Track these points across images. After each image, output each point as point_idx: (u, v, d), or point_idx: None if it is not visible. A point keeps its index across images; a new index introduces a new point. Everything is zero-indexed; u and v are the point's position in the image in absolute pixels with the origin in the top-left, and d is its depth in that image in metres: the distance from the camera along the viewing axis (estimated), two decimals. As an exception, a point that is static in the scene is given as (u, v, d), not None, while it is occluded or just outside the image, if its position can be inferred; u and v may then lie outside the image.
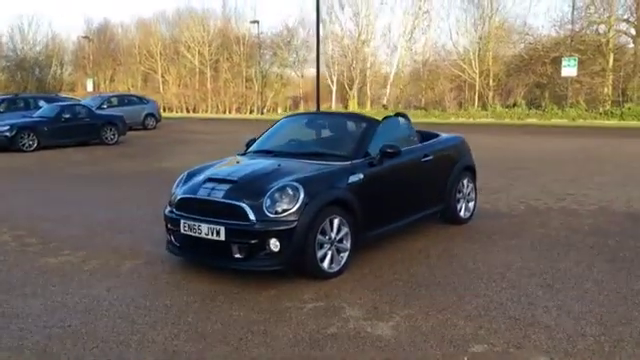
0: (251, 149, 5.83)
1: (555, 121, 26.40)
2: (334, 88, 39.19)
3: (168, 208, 5.10)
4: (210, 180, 4.87)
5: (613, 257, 5.15)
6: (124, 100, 24.62)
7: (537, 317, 3.85)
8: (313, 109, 39.53)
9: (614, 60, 27.76)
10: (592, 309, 3.97)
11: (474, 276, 4.70)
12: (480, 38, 33.09)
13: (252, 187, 4.66)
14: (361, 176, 4.97)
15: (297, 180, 4.60)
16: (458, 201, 6.31)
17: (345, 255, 4.79)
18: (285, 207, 4.44)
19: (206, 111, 45.28)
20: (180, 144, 17.88)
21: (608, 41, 28.31)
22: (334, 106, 39.19)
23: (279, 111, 43.75)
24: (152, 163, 13.28)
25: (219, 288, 4.53)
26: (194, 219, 4.67)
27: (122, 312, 4.13)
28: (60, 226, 6.74)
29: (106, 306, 4.24)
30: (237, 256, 4.53)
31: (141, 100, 25.51)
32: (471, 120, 28.76)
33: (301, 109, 41.17)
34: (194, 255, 4.88)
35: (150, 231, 6.35)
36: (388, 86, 37.27)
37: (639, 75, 27.61)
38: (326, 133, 5.87)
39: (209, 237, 4.56)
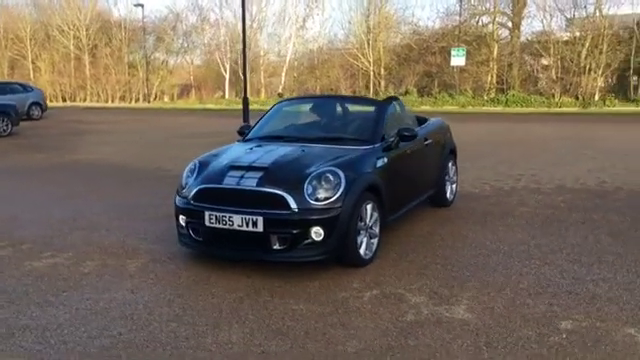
0: (255, 135, 5.52)
1: (446, 108, 27.71)
2: (227, 76, 38.40)
3: (180, 199, 4.70)
4: (235, 168, 4.54)
5: (610, 231, 5.47)
6: (5, 88, 22.44)
7: (593, 290, 3.98)
8: (206, 97, 38.58)
9: (498, 50, 29.63)
10: (632, 279, 4.17)
11: (502, 255, 4.79)
12: (370, 28, 33.88)
13: (287, 174, 4.41)
14: (386, 160, 4.89)
15: (336, 165, 4.42)
16: (445, 184, 6.41)
17: (375, 241, 4.70)
18: (327, 194, 4.25)
19: (85, 100, 42.48)
20: (79, 135, 16.63)
21: (493, 33, 30.13)
22: (227, 94, 38.43)
23: (165, 99, 42.16)
24: (64, 155, 12.25)
25: (256, 282, 4.26)
26: (222, 210, 4.33)
27: (170, 314, 3.76)
28: (16, 227, 6.00)
29: (145, 310, 3.83)
30: (276, 247, 4.26)
31: (25, 88, 23.46)
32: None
33: (192, 97, 39.94)
34: (223, 249, 4.52)
35: (129, 227, 5.87)
36: (283, 74, 37.15)
37: (517, 65, 29.66)
38: (334, 117, 5.69)
39: (243, 229, 4.25)
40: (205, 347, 3.31)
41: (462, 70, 29.07)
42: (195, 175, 4.70)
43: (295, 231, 4.21)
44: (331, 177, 4.31)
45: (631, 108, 24.57)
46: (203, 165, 4.79)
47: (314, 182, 4.28)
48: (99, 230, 5.84)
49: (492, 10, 30.11)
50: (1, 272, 4.63)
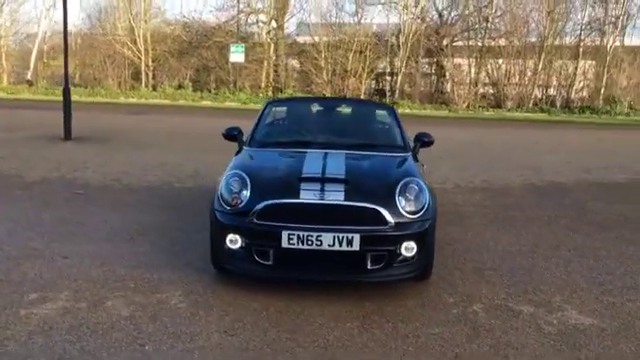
0: (266, 140, 4.93)
1: (229, 104, 27.68)
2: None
3: (228, 216, 4.01)
4: (306, 180, 4.03)
5: (600, 225, 6.21)
6: None
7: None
8: None
9: (273, 49, 30.45)
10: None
11: (519, 257, 5.10)
12: (135, 14, 31.96)
13: (371, 185, 4.10)
14: (425, 167, 4.82)
15: (414, 176, 4.24)
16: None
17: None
18: (416, 206, 4.06)
19: None
20: None
21: (262, 31, 30.85)
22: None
23: None
24: None
25: (364, 307, 3.87)
26: (306, 229, 3.83)
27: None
28: None
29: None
30: (371, 267, 3.93)
31: None
32: (144, 100, 27.83)
33: None
34: (305, 273, 3.99)
35: (94, 254, 4.81)
36: (32, 59, 32.78)
37: (282, 66, 30.87)
38: (347, 121, 5.38)
39: (335, 248, 3.83)
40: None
41: (242, 67, 29.26)
42: (250, 188, 4.04)
43: (391, 248, 3.93)
44: (416, 187, 4.12)
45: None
46: (254, 177, 4.13)
47: (404, 194, 4.04)
48: (57, 260, 4.62)
49: (260, 9, 30.81)
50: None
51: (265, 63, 30.45)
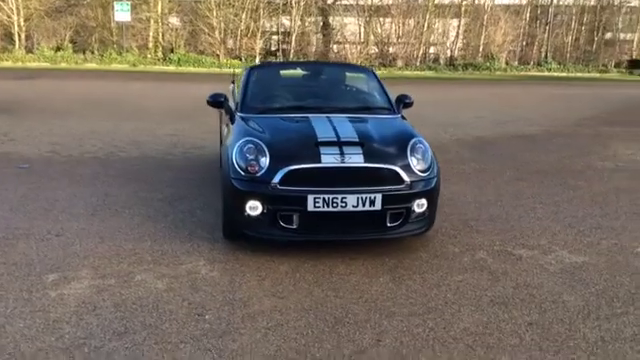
0: (257, 105, 4.92)
1: (116, 66, 26.38)
2: None
3: (248, 184, 4.04)
4: (325, 144, 4.15)
5: (540, 173, 6.78)
6: None
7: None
8: None
9: (162, 7, 29.17)
10: None
11: (491, 208, 5.56)
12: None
13: (384, 147, 4.28)
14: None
15: (417, 135, 4.49)
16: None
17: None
18: (425, 165, 4.32)
19: None
20: None
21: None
22: None
23: None
24: None
25: (388, 263, 4.11)
26: (331, 192, 3.98)
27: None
28: None
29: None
30: (390, 224, 4.17)
31: None
32: (20, 64, 25.77)
33: None
34: (330, 234, 4.13)
35: (87, 230, 4.67)
36: None
37: (165, 25, 29.76)
38: (335, 85, 5.46)
39: (359, 209, 4.02)
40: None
41: (128, 27, 27.81)
42: (268, 155, 4.08)
43: (407, 205, 4.18)
44: (422, 147, 4.38)
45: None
46: (270, 143, 4.17)
47: (414, 153, 4.28)
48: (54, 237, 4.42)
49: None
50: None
51: (152, 22, 29.17)
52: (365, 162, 4.08)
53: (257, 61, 28.73)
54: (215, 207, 5.22)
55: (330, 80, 5.63)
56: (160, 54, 28.46)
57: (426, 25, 30.04)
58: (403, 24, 30.05)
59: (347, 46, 30.29)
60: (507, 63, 30.89)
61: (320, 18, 30.63)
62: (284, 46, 30.41)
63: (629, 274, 4.02)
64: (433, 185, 4.30)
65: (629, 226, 5.06)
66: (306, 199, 3.94)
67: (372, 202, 4.00)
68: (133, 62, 26.89)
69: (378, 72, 5.87)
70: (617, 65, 32.38)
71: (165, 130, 9.34)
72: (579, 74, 30.37)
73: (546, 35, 33.21)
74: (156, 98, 14.03)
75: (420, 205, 4.22)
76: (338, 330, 3.18)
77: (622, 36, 35.29)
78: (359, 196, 3.98)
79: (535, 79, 26.15)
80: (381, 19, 30.46)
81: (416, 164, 4.23)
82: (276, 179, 3.99)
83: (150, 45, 28.97)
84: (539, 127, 10.84)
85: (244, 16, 28.52)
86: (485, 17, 31.02)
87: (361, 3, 30.46)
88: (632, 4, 35.03)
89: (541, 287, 3.78)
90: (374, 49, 30.64)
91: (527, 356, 2.96)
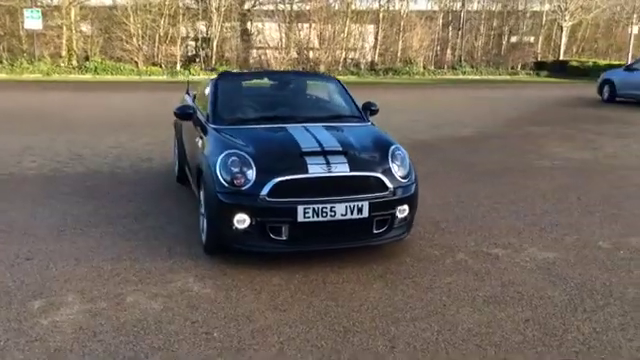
0: (228, 117, 4.86)
1: (28, 76, 25.10)
2: None
3: (235, 197, 4.02)
4: (310, 154, 4.17)
5: (487, 174, 7.05)
6: None
7: None
8: None
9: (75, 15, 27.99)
10: None
11: (455, 209, 5.77)
12: None
13: (366, 155, 4.37)
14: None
15: (394, 143, 4.60)
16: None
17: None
18: (405, 171, 4.45)
19: None
20: None
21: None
22: None
23: None
24: None
25: (379, 270, 4.18)
26: (319, 201, 4.02)
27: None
28: None
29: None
30: (376, 231, 4.26)
31: None
32: None
33: None
34: (319, 243, 4.16)
35: (57, 251, 4.48)
36: None
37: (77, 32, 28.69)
38: (303, 94, 5.47)
39: (347, 217, 4.09)
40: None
41: (39, 34, 26.48)
42: (255, 167, 4.06)
43: (391, 211, 4.28)
44: (401, 153, 4.51)
45: (212, 76, 27.25)
46: (254, 155, 4.15)
47: (395, 160, 4.39)
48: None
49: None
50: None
51: (65, 29, 27.91)
52: (351, 171, 4.15)
53: (178, 68, 28.18)
54: (183, 222, 5.13)
55: (298, 89, 5.65)
56: (75, 62, 27.28)
57: (346, 31, 30.51)
58: (323, 30, 30.37)
59: (269, 52, 30.26)
60: (425, 67, 31.86)
61: (239, 24, 30.42)
62: (204, 52, 29.97)
63: (599, 267, 4.29)
64: (413, 191, 4.42)
65: (584, 221, 5.40)
66: (296, 210, 3.96)
67: (360, 210, 4.07)
68: (47, 71, 25.61)
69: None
70: (524, 67, 34.13)
71: (104, 142, 9.00)
72: (491, 76, 31.80)
73: (459, 40, 34.56)
74: (82, 109, 13.45)
75: (402, 211, 4.34)
76: (350, 339, 3.21)
77: (527, 39, 37.30)
78: (347, 204, 4.04)
79: (452, 82, 27.16)
80: (302, 25, 30.64)
81: (397, 170, 4.34)
82: (264, 191, 3.98)
83: (64, 53, 27.69)
84: (473, 129, 11.29)
85: (163, 22, 27.87)
86: (402, 23, 31.91)
87: (280, 8, 30.56)
88: (535, 9, 37.14)
89: (525, 284, 3.97)
90: (296, 54, 30.77)
91: (535, 352, 3.12)
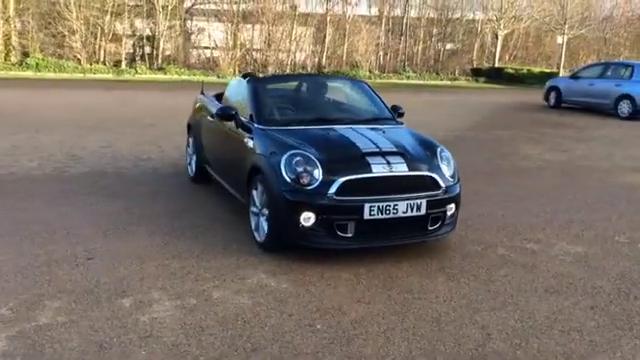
0: (275, 118, 5.01)
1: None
2: None
3: (303, 196, 4.16)
4: (369, 155, 4.37)
5: (488, 174, 7.39)
6: None
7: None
8: None
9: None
10: None
11: (473, 206, 6.07)
12: None
13: (420, 156, 4.60)
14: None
15: (439, 144, 4.86)
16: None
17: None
18: (452, 171, 4.72)
19: None
20: None
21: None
22: None
23: None
24: None
25: (428, 265, 4.42)
26: (384, 200, 4.23)
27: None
28: None
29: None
30: (430, 227, 4.50)
31: None
32: None
33: None
34: (382, 239, 4.34)
35: (115, 251, 4.46)
36: None
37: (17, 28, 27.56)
38: (335, 96, 5.63)
39: (407, 214, 4.32)
40: (557, 316, 3.66)
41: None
42: (321, 167, 4.22)
43: (444, 209, 4.54)
44: (447, 154, 4.77)
45: (158, 76, 26.75)
46: (319, 156, 4.30)
47: (443, 160, 4.65)
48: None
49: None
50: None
51: (2, 23, 26.67)
52: (409, 170, 4.36)
53: (123, 65, 27.47)
54: (221, 220, 5.19)
55: (332, 93, 5.82)
56: (13, 58, 26.11)
57: (293, 33, 30.71)
58: (270, 32, 30.43)
59: (215, 52, 30.02)
60: (370, 71, 32.51)
61: (179, 23, 29.97)
62: (149, 50, 29.36)
63: (628, 259, 4.70)
64: (458, 190, 4.69)
65: (593, 218, 5.84)
66: (363, 208, 4.13)
67: (419, 207, 4.30)
68: (-17, 68, 24.41)
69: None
70: (462, 73, 35.41)
71: (93, 142, 8.81)
72: (433, 82, 32.82)
73: (401, 45, 35.47)
74: (43, 108, 12.98)
75: (451, 208, 4.59)
76: (444, 328, 3.42)
77: (463, 47, 38.69)
78: (408, 202, 4.26)
79: (398, 86, 27.86)
80: (249, 26, 30.58)
81: (446, 170, 4.59)
82: (332, 190, 4.13)
83: (1, 48, 26.44)
84: (445, 132, 11.72)
85: (107, 19, 27.12)
86: (347, 27, 32.43)
87: (226, 8, 30.37)
88: (470, 17, 38.58)
89: (572, 276, 4.31)
90: (242, 55, 30.66)
91: (613, 335, 3.43)
